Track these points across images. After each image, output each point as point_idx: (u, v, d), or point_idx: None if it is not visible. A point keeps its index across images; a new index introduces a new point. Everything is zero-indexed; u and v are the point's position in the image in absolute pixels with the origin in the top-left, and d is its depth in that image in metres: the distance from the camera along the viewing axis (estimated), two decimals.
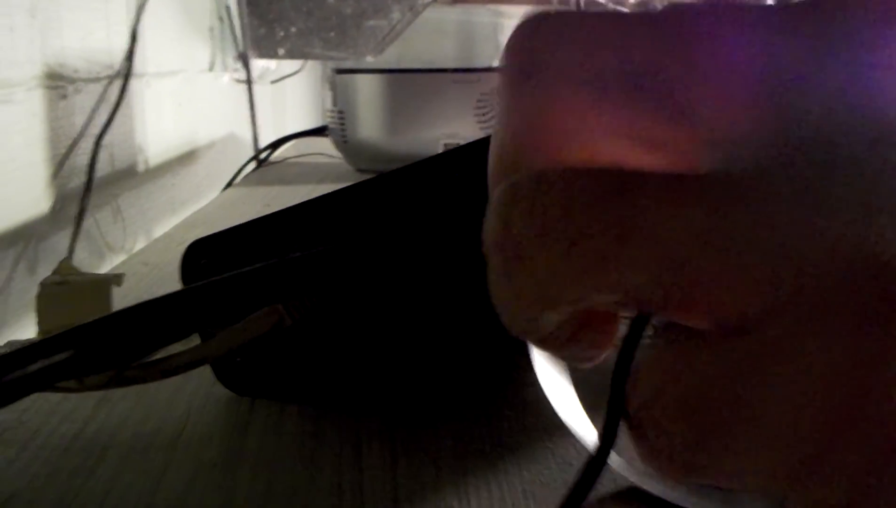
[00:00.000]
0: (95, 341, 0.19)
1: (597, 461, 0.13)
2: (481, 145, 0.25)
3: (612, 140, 0.13)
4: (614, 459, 0.21)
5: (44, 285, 0.23)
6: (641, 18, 0.12)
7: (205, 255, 0.27)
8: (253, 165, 0.95)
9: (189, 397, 0.29)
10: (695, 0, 0.12)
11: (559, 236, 0.11)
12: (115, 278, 0.25)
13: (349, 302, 0.25)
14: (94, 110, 0.68)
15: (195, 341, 0.23)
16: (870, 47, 0.10)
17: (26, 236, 0.57)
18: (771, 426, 0.10)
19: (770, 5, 0.12)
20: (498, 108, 0.14)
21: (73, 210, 0.62)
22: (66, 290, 0.24)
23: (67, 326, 0.20)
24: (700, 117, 0.11)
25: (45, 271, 0.57)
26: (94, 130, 0.67)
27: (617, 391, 0.12)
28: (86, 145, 0.66)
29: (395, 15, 0.91)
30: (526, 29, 0.13)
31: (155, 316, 0.20)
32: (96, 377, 0.20)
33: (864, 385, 0.09)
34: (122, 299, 0.27)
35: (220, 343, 0.21)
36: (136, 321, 0.20)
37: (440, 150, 0.69)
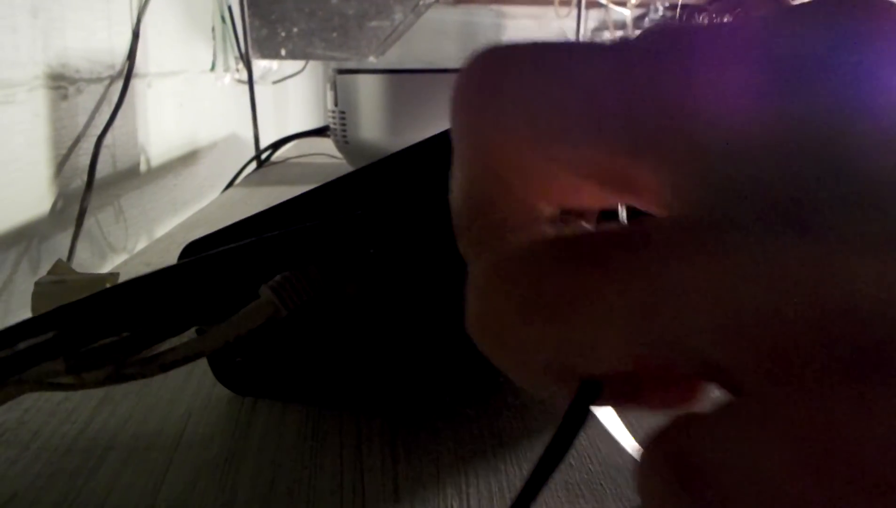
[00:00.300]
0: (79, 319, 0.19)
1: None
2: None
3: (580, 181, 0.12)
4: None
5: (39, 284, 0.23)
6: (619, 45, 0.12)
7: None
8: (254, 165, 0.95)
9: (190, 397, 0.29)
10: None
11: (530, 311, 0.11)
12: (110, 278, 0.25)
13: (346, 297, 0.25)
14: (96, 110, 0.68)
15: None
16: (873, 46, 0.10)
17: (28, 236, 0.57)
18: (757, 498, 0.09)
19: (768, 11, 0.11)
20: (456, 147, 0.14)
21: (74, 210, 0.62)
22: (61, 289, 0.24)
23: None
24: (692, 132, 0.11)
25: (46, 271, 0.57)
26: (96, 130, 0.67)
27: (552, 456, 0.12)
28: (87, 146, 0.66)
29: (398, 16, 0.91)
30: (478, 65, 0.13)
31: (136, 293, 0.20)
32: (94, 374, 0.20)
33: (846, 449, 0.09)
34: None
35: (216, 337, 0.21)
36: (118, 298, 0.20)
37: None
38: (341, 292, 0.23)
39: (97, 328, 0.19)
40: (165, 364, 0.21)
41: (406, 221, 0.23)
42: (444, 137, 0.25)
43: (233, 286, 0.21)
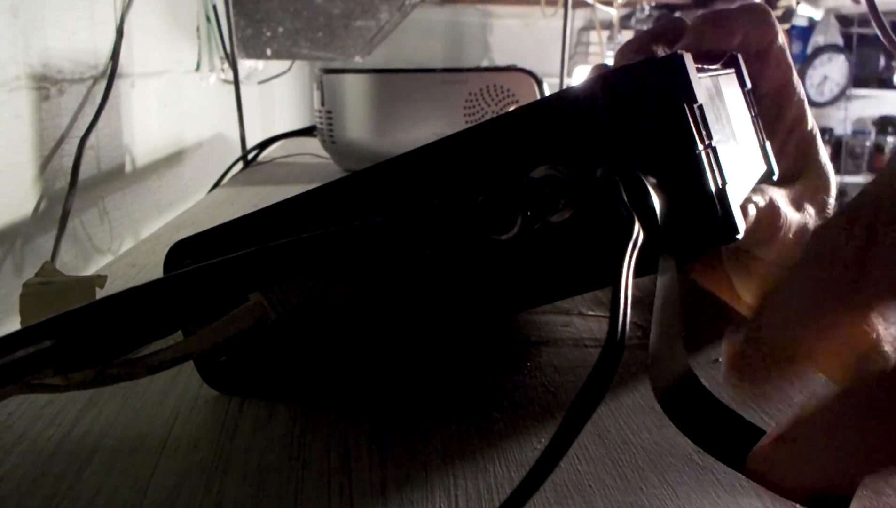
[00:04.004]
0: (80, 328, 0.19)
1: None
2: (458, 142, 0.25)
3: None
4: None
5: (27, 286, 0.23)
6: None
7: (188, 254, 0.27)
8: (240, 165, 0.95)
9: (177, 399, 0.29)
10: None
11: None
12: (98, 280, 0.24)
13: (335, 299, 0.25)
14: (79, 111, 0.68)
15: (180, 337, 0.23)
16: None
17: (11, 237, 0.56)
18: None
19: None
20: None
21: (58, 212, 0.61)
22: (49, 290, 0.24)
23: None
24: None
25: (30, 273, 0.56)
26: (79, 131, 0.67)
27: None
28: (70, 147, 0.65)
29: (384, 15, 0.91)
30: None
31: (139, 302, 0.20)
32: (80, 375, 0.20)
33: None
34: None
35: (204, 338, 0.21)
36: (121, 307, 0.20)
37: None
38: (330, 294, 0.23)
39: (96, 337, 0.19)
40: (153, 366, 0.21)
41: (401, 227, 0.23)
42: (434, 147, 0.25)
43: (229, 294, 0.21)
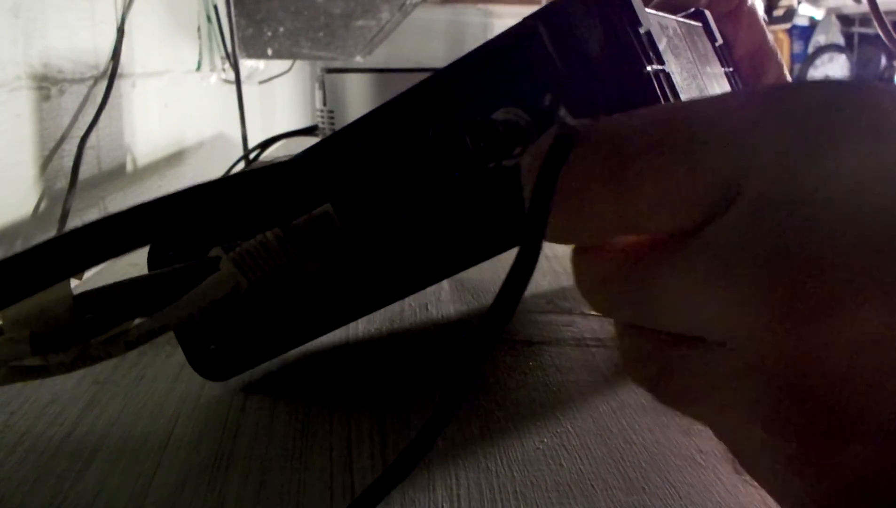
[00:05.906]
0: (13, 271, 0.19)
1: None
2: (424, 90, 0.24)
3: None
4: None
5: None
6: None
7: (171, 246, 0.27)
8: (242, 165, 0.95)
9: (178, 399, 0.29)
10: None
11: None
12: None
13: (307, 272, 0.25)
14: (80, 111, 0.68)
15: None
16: None
17: (11, 237, 0.56)
18: None
19: None
20: None
21: (58, 212, 0.61)
22: None
23: (28, 315, 0.19)
24: None
25: None
26: (80, 131, 0.67)
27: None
28: (71, 147, 0.65)
29: (385, 15, 0.91)
30: None
31: (69, 243, 0.20)
32: (60, 356, 0.20)
33: None
34: None
35: (179, 309, 0.21)
36: (51, 250, 0.19)
37: None
38: (302, 266, 0.23)
39: (30, 276, 0.19)
40: (131, 342, 0.20)
41: (369, 194, 0.23)
42: (403, 98, 0.25)
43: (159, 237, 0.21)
